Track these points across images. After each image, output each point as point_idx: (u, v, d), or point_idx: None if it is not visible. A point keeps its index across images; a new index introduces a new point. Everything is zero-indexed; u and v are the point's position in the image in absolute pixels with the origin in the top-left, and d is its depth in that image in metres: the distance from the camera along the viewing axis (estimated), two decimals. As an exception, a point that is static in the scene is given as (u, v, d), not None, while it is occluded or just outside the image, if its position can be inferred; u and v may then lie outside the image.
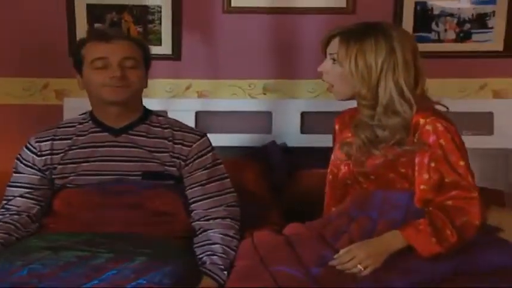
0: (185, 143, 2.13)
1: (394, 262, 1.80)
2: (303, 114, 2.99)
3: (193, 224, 2.10)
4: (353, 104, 2.10)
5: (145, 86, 2.16)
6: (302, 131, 2.99)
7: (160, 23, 2.95)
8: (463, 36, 2.95)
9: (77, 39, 2.92)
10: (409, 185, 1.95)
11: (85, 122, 2.17)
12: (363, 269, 1.79)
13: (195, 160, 2.13)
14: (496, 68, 2.98)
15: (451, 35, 2.95)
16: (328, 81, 2.02)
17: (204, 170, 2.13)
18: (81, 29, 2.93)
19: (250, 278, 1.83)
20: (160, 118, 2.20)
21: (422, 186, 1.90)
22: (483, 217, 1.87)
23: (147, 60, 2.15)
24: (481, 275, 1.77)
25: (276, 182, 2.74)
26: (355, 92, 1.97)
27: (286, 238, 1.99)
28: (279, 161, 2.81)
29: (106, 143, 2.12)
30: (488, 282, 1.74)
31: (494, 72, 2.98)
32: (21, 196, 2.11)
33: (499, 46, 2.95)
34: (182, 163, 2.12)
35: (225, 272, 1.93)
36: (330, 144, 2.65)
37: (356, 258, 1.79)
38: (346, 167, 2.05)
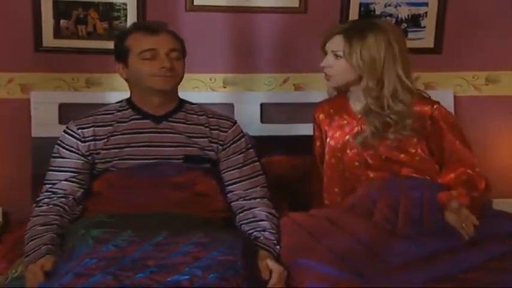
0: (221, 128, 2.27)
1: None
2: (262, 105, 3.15)
3: (233, 204, 2.21)
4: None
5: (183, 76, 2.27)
6: (262, 121, 3.16)
7: (126, 20, 3.02)
8: (400, 34, 3.27)
9: (43, 34, 2.98)
10: (414, 163, 2.20)
11: (123, 110, 2.26)
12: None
13: (231, 145, 2.27)
14: (427, 63, 3.23)
15: (390, 33, 3.26)
16: (330, 74, 2.25)
17: (239, 154, 2.27)
18: (47, 24, 2.96)
19: (304, 251, 1.95)
20: (193, 106, 2.33)
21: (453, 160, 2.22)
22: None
23: (184, 53, 2.28)
24: (498, 238, 2.02)
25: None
26: (351, 82, 2.23)
27: (323, 215, 2.13)
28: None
29: (148, 129, 2.22)
30: (505, 245, 1.99)
31: (425, 66, 3.23)
32: (66, 180, 2.16)
33: (430, 43, 3.25)
34: (220, 147, 2.25)
35: (278, 247, 2.06)
36: (289, 133, 2.88)
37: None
38: (353, 150, 2.26)
